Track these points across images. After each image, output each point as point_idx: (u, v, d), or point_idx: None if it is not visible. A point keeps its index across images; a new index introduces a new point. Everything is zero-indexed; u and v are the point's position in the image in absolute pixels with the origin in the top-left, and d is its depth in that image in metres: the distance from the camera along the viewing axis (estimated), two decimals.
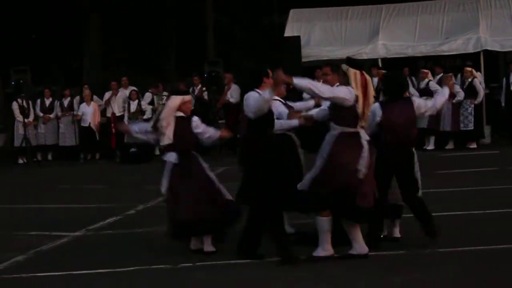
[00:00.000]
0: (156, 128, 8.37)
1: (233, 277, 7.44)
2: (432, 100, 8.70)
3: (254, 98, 7.79)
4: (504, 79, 19.18)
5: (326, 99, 7.72)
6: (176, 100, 8.39)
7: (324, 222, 7.66)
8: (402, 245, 8.37)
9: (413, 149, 8.34)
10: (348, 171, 7.51)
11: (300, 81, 7.49)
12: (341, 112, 7.60)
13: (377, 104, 8.19)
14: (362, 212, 7.59)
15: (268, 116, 7.86)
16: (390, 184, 8.25)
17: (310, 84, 7.54)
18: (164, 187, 8.35)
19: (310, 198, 7.60)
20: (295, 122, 8.40)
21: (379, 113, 8.14)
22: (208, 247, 8.36)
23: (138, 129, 8.83)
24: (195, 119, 8.46)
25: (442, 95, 8.62)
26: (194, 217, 8.12)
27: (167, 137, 8.29)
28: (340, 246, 7.82)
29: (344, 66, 7.68)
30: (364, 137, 7.67)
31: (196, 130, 8.43)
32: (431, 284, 6.91)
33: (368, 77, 7.75)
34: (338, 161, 7.53)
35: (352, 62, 7.78)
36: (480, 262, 7.59)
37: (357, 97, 7.57)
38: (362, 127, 7.70)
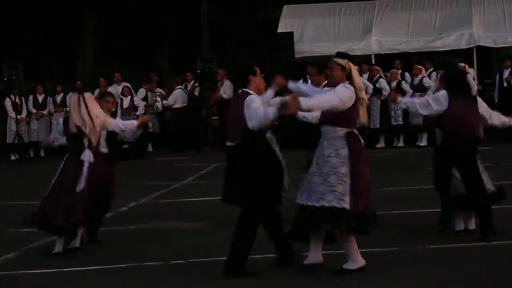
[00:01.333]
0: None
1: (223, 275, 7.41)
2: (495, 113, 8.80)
3: (258, 113, 7.27)
4: (498, 75, 19.19)
5: (334, 107, 7.11)
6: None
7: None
8: (394, 241, 8.36)
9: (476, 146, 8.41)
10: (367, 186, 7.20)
11: (307, 102, 7.00)
12: (344, 113, 7.14)
13: (444, 92, 8.29)
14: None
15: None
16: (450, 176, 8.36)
17: (318, 100, 7.13)
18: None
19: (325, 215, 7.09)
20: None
21: (445, 101, 8.24)
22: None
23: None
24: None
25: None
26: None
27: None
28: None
29: (342, 61, 7.29)
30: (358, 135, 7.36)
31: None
32: (424, 281, 6.91)
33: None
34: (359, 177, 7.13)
35: (347, 56, 7.50)
36: (474, 259, 7.58)
37: (357, 93, 7.20)
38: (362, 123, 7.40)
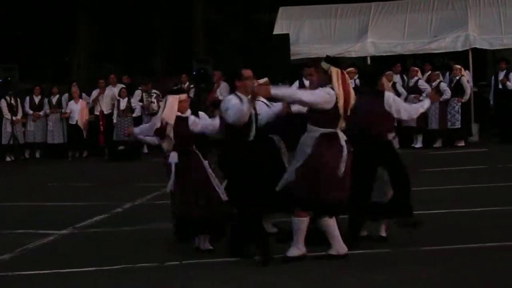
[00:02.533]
0: (160, 132, 8.34)
1: (219, 276, 7.42)
2: (413, 105, 8.91)
3: (233, 107, 7.69)
4: (493, 77, 19.21)
5: (306, 104, 7.52)
6: (173, 99, 8.35)
7: (300, 223, 7.60)
8: (386, 243, 8.36)
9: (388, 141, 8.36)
10: (329, 173, 7.44)
11: (278, 91, 7.38)
12: (322, 113, 7.46)
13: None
14: (333, 205, 7.52)
15: (248, 121, 7.78)
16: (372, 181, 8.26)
17: (289, 91, 7.54)
18: (169, 187, 8.33)
19: (286, 198, 7.56)
20: (278, 107, 8.38)
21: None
22: (205, 245, 8.34)
23: (140, 131, 9.04)
24: (192, 118, 8.45)
25: (421, 107, 8.64)
26: (192, 216, 8.12)
27: (169, 138, 8.26)
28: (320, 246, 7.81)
29: (325, 65, 7.51)
30: (343, 137, 7.57)
31: (194, 129, 8.42)
32: (416, 283, 6.91)
33: (347, 76, 7.67)
34: (320, 162, 7.45)
35: (332, 60, 7.65)
36: (467, 260, 7.59)
37: (337, 98, 7.43)
38: (342, 127, 7.58)
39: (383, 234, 8.53)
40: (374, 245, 8.23)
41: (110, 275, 7.71)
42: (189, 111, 8.54)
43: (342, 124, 7.56)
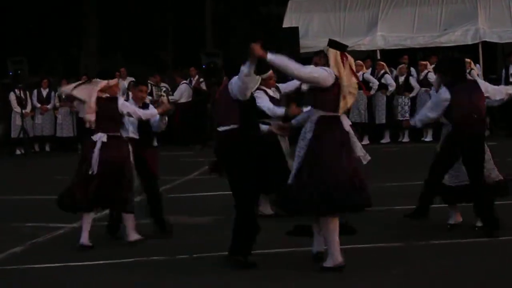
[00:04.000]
0: None
1: (229, 269, 7.42)
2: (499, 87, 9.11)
3: (235, 79, 7.55)
4: (503, 71, 19.16)
5: (301, 77, 7.31)
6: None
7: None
8: (397, 237, 8.35)
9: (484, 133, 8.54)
10: (332, 165, 7.03)
11: (275, 58, 7.09)
12: (321, 95, 7.17)
13: (444, 88, 8.35)
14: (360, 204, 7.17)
15: (252, 106, 7.65)
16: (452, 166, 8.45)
17: (286, 61, 7.13)
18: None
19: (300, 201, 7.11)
20: (281, 111, 8.37)
21: (446, 95, 8.29)
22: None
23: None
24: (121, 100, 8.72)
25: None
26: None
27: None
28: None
29: (325, 47, 7.40)
30: (346, 122, 7.30)
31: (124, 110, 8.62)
32: (428, 276, 6.90)
33: (351, 59, 7.37)
34: (320, 155, 7.07)
35: (333, 43, 7.51)
36: (478, 254, 7.58)
37: (337, 78, 7.14)
38: (344, 112, 7.30)
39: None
40: (387, 239, 8.21)
41: (122, 268, 7.74)
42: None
43: (344, 107, 7.21)
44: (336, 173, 6.97)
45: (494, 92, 8.74)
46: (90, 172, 8.46)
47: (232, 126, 7.45)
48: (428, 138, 18.52)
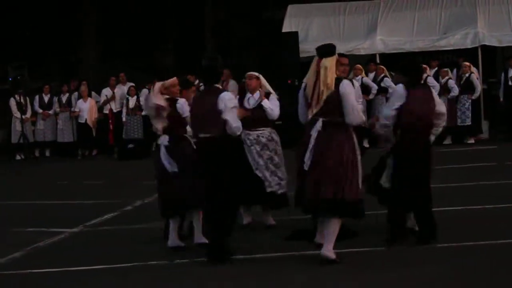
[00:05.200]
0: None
1: (229, 273, 7.43)
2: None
3: (228, 95, 8.17)
4: (502, 74, 19.18)
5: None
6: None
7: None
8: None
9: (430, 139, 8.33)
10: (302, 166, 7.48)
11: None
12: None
13: (401, 86, 8.17)
14: (345, 205, 7.37)
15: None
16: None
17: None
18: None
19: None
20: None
21: (402, 90, 8.13)
22: (199, 238, 8.40)
23: None
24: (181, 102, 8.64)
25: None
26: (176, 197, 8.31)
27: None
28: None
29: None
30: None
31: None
32: (426, 280, 6.91)
33: (325, 60, 7.47)
34: (323, 156, 7.42)
35: (319, 49, 7.61)
36: (477, 258, 7.58)
37: (305, 86, 7.55)
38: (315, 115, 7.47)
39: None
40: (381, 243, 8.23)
41: (121, 273, 7.74)
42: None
43: (314, 111, 7.42)
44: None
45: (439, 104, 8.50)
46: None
47: (213, 134, 7.73)
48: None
